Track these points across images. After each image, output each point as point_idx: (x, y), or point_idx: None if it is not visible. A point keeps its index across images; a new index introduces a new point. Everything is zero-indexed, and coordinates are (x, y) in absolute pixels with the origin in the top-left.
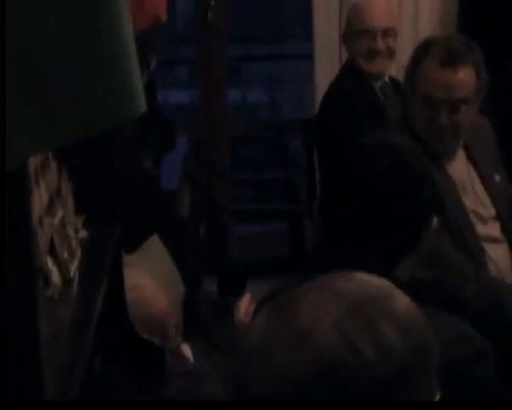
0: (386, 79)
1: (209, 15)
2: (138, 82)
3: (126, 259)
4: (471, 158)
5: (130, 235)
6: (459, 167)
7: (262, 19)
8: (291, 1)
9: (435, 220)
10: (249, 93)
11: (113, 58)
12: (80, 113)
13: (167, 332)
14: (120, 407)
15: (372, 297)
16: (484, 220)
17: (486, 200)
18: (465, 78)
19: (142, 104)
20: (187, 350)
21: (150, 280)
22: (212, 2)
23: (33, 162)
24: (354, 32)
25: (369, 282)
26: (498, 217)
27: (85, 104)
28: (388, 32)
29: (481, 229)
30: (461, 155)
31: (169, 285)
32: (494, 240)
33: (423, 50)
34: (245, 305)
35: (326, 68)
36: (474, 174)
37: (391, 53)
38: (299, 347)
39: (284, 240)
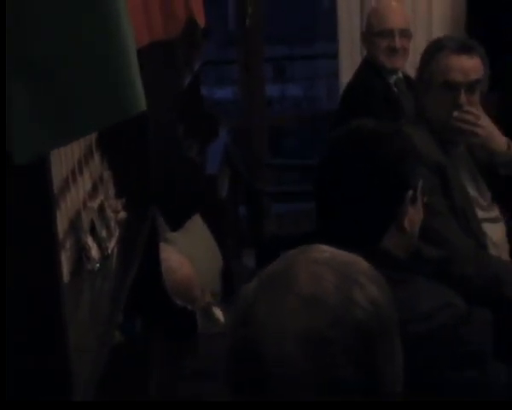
0: (400, 74)
1: (247, 20)
2: (138, 84)
3: (171, 235)
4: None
5: (174, 215)
6: (463, 155)
7: (301, 22)
8: (320, 7)
9: (409, 194)
10: (290, 88)
11: (113, 62)
12: (83, 112)
13: (193, 295)
14: (120, 407)
15: (346, 262)
16: (483, 205)
17: (484, 186)
18: (477, 63)
19: (141, 103)
20: (218, 313)
21: (175, 252)
22: (250, 9)
23: (77, 154)
24: (374, 32)
25: (334, 250)
26: (497, 199)
27: (87, 104)
28: (404, 33)
29: (481, 214)
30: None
31: (209, 258)
32: (493, 220)
33: (437, 45)
34: None
35: (349, 66)
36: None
37: (406, 52)
38: (308, 311)
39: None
